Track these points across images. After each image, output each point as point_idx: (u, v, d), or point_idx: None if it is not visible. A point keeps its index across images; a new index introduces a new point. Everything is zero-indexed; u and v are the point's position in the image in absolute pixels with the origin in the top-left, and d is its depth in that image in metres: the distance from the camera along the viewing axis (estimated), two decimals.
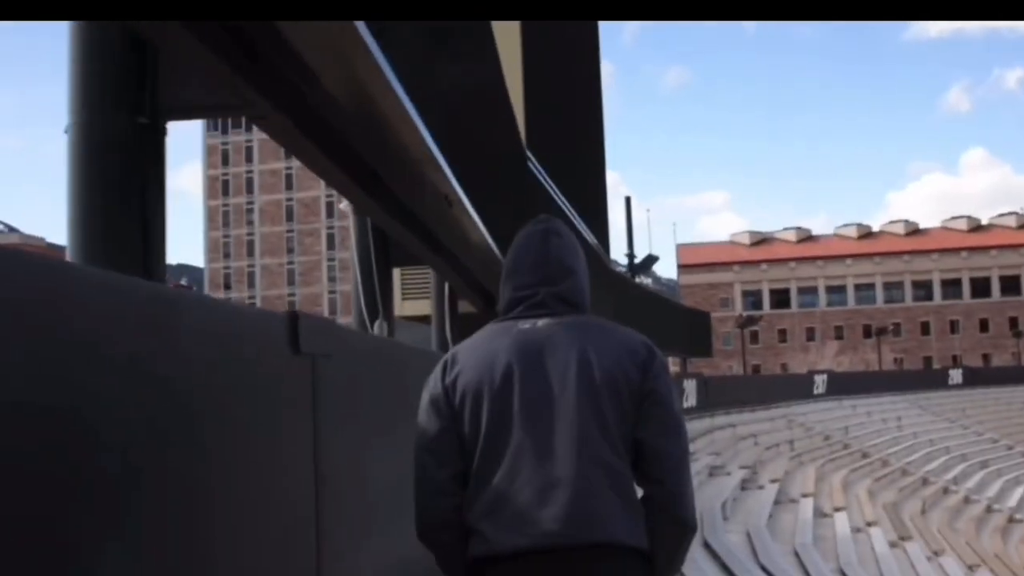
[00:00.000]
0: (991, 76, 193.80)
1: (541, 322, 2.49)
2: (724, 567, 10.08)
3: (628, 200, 25.17)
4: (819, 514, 17.25)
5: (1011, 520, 27.76)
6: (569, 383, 2.40)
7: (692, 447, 21.03)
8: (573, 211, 11.64)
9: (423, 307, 8.61)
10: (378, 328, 5.29)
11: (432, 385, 2.49)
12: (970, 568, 18.12)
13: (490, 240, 6.86)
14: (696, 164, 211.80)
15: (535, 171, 9.23)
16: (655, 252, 26.37)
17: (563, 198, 11.26)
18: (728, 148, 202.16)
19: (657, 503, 2.40)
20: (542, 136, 10.76)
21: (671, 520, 2.41)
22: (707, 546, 10.82)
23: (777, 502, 16.95)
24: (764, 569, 10.65)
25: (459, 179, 5.41)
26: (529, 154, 9.08)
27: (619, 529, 2.34)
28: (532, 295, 2.52)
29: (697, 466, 17.71)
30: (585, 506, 2.33)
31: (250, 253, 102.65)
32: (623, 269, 23.34)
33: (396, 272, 9.04)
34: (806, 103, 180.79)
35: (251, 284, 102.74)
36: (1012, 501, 30.70)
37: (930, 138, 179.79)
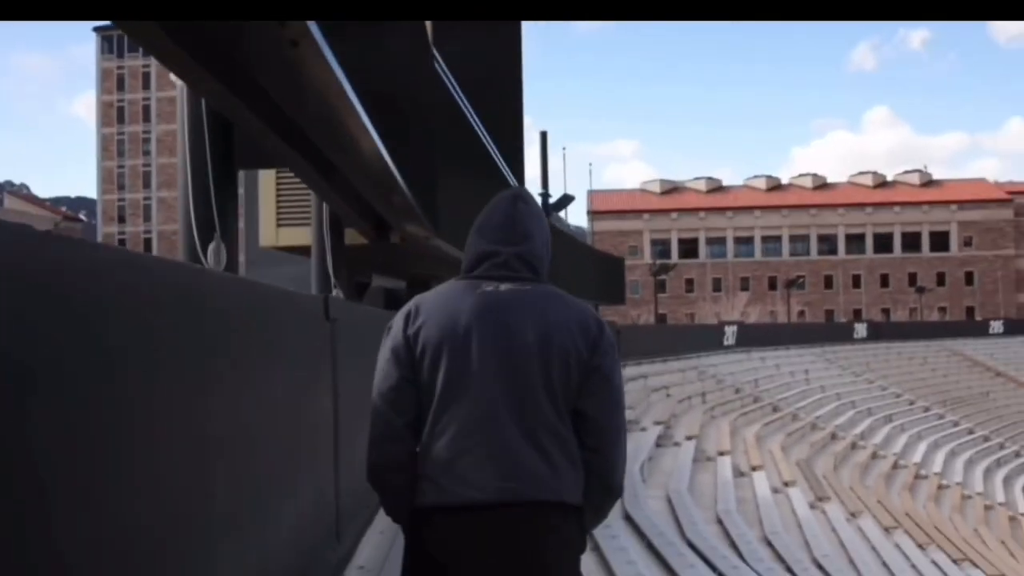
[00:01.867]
0: (896, 35, 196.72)
1: (504, 286, 2.63)
2: (648, 543, 8.86)
3: (544, 135, 23.71)
4: (737, 473, 16.32)
5: (917, 477, 27.55)
6: (525, 351, 2.53)
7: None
8: (486, 134, 10.12)
9: (302, 236, 7.06)
10: (213, 255, 3.75)
11: (394, 334, 2.61)
12: (887, 530, 17.47)
13: (386, 154, 5.35)
14: (606, 112, 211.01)
15: (443, 75, 7.68)
16: (569, 195, 25.16)
17: (476, 117, 9.73)
18: (638, 97, 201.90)
19: (592, 470, 2.58)
20: (452, 43, 9.19)
21: (602, 486, 2.61)
22: (628, 518, 9.60)
23: (695, 460, 15.98)
24: (690, 544, 9.47)
25: (343, 65, 3.98)
26: (436, 55, 7.53)
27: (563, 489, 2.52)
28: (494, 253, 2.66)
29: (648, 436, 16.65)
30: (533, 466, 2.50)
31: (146, 185, 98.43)
32: None
33: (271, 196, 7.45)
34: (716, 55, 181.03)
35: (147, 218, 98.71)
36: (917, 457, 30.59)
37: (835, 95, 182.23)
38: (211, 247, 3.66)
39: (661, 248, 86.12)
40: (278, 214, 7.19)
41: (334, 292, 6.69)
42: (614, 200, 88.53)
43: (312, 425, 3.45)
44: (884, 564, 13.96)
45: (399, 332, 2.59)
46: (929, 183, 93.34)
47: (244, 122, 3.74)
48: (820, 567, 11.29)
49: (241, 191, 6.28)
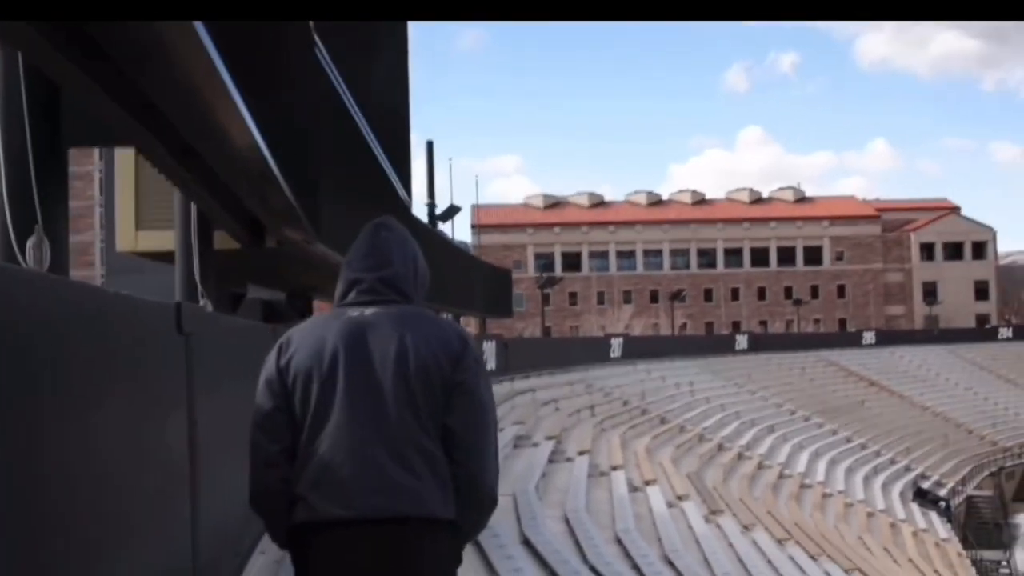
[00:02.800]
0: (767, 58, 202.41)
1: (369, 311, 2.77)
2: (549, 570, 8.29)
3: (430, 145, 23.04)
4: (631, 488, 15.94)
5: (802, 486, 27.80)
6: (388, 370, 2.67)
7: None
8: (372, 136, 9.43)
9: (167, 240, 6.25)
10: (33, 253, 2.98)
11: (268, 367, 2.75)
12: (779, 542, 17.36)
13: (262, 143, 4.65)
14: (489, 128, 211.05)
15: (328, 71, 6.98)
16: (456, 206, 24.46)
17: (362, 117, 9.04)
18: (519, 113, 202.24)
19: (461, 483, 2.69)
20: (336, 39, 8.49)
21: (472, 499, 2.73)
22: (527, 542, 9.02)
23: (589, 475, 15.52)
24: (592, 569, 8.94)
25: (214, 39, 3.33)
26: (318, 41, 6.84)
27: (429, 503, 2.63)
28: (359, 280, 2.83)
29: (504, 437, 16.06)
30: (399, 482, 2.61)
31: None
32: (423, 221, 21.43)
33: (129, 192, 6.61)
34: (595, 73, 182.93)
35: None
36: (800, 466, 30.97)
37: (710, 115, 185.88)
38: (31, 242, 2.91)
39: (545, 262, 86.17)
40: (137, 214, 6.35)
41: (201, 303, 5.91)
42: (498, 214, 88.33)
43: (158, 460, 2.74)
44: None
45: (272, 364, 2.73)
46: (802, 200, 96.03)
47: (77, 88, 3.01)
48: None
49: (98, 179, 5.49)
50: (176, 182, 5.30)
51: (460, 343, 2.74)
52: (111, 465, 2.36)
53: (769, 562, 14.69)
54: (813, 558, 16.90)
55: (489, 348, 23.70)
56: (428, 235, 15.33)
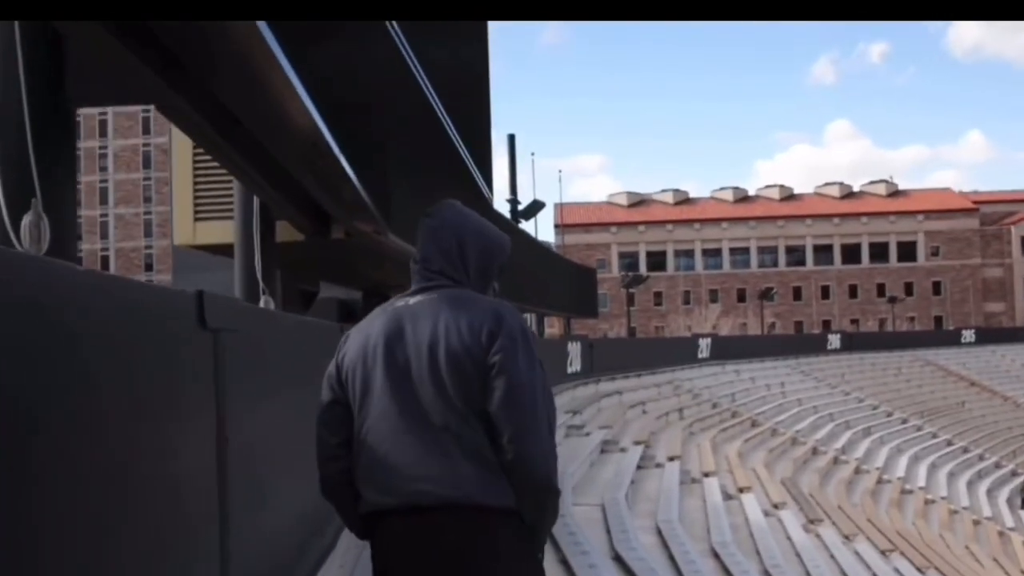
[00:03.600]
0: (856, 49, 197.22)
1: (414, 299, 2.75)
2: None
3: (512, 138, 22.44)
4: (725, 496, 15.13)
5: (902, 492, 26.57)
6: (421, 358, 2.62)
7: (580, 418, 18.74)
8: (449, 122, 8.88)
9: (226, 232, 5.77)
10: (29, 233, 2.44)
11: (331, 364, 2.79)
12: (883, 553, 16.37)
13: (323, 126, 4.13)
14: (571, 127, 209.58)
15: (397, 42, 6.44)
16: (539, 201, 23.64)
17: (438, 101, 8.50)
18: (603, 111, 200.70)
19: (509, 470, 2.57)
20: (419, 37, 7.97)
21: (524, 486, 2.58)
22: (618, 558, 8.37)
23: (681, 482, 14.75)
24: None
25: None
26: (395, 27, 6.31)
27: (468, 488, 2.55)
28: (419, 271, 2.80)
29: (591, 441, 15.43)
30: (437, 469, 2.55)
31: (103, 201, 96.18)
32: (505, 217, 20.76)
33: (187, 180, 6.14)
34: (678, 69, 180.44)
35: (104, 235, 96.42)
36: (900, 471, 29.66)
37: (797, 109, 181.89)
38: (27, 220, 2.40)
39: (629, 261, 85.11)
40: (195, 204, 5.90)
41: (263, 300, 5.42)
42: (582, 213, 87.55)
43: (175, 482, 2.18)
44: None
45: (333, 361, 2.77)
46: (895, 193, 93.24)
47: (90, 41, 2.48)
48: None
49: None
50: (237, 173, 4.81)
51: (494, 321, 2.61)
52: (100, 497, 1.81)
53: (874, 575, 13.77)
54: (921, 571, 15.88)
55: (574, 349, 23.06)
56: (510, 233, 14.74)
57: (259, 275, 5.50)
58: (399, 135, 6.45)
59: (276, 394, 3.44)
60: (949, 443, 38.01)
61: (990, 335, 61.25)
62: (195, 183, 5.94)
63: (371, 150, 5.48)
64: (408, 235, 6.24)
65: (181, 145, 6.04)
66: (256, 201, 5.59)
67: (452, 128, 9.55)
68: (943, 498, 27.83)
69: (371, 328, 2.72)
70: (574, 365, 22.87)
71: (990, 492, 32.05)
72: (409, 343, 2.65)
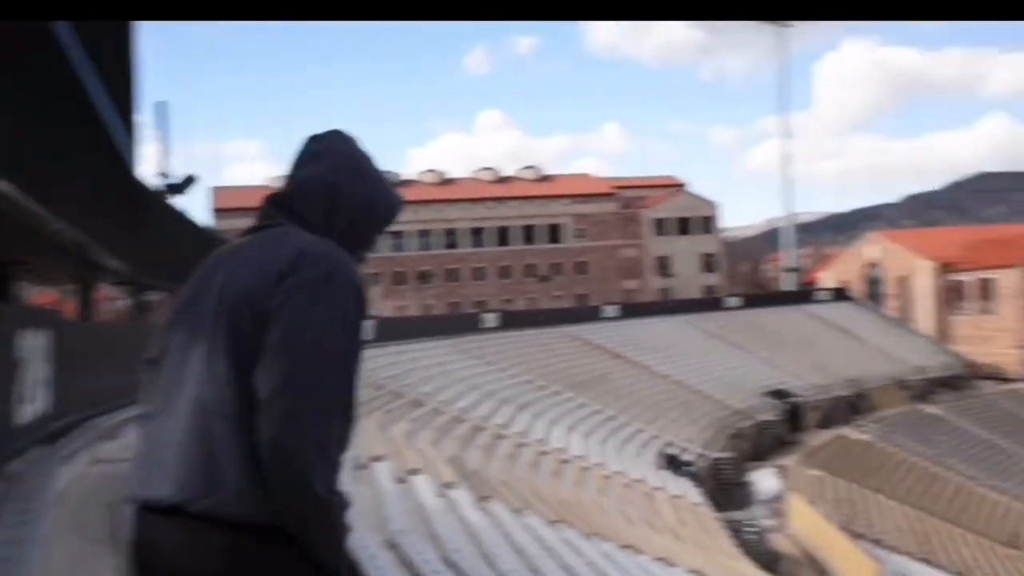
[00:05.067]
0: (508, 40, 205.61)
1: (240, 240, 2.16)
2: None
3: (161, 106, 20.50)
4: (397, 480, 14.70)
5: (561, 462, 27.61)
6: (208, 314, 2.00)
7: None
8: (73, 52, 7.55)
9: None
10: None
11: None
12: (552, 523, 16.69)
13: None
14: (228, 112, 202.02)
15: None
16: (192, 175, 21.52)
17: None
18: (261, 96, 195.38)
19: (265, 468, 1.86)
20: None
21: (276, 488, 1.86)
22: None
23: (349, 468, 14.09)
24: None
25: None
26: None
27: (220, 492, 1.89)
28: (267, 205, 2.23)
29: None
30: (190, 461, 1.93)
31: None
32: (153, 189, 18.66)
33: None
34: (331, 56, 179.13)
35: None
36: (557, 442, 30.88)
37: (450, 98, 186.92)
38: None
39: None
40: None
41: None
42: (241, 197, 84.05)
43: None
44: (567, 568, 12.93)
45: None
46: (543, 179, 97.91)
47: None
48: None
49: None
50: None
51: (293, 255, 1.98)
52: None
53: (548, 548, 13.88)
54: (588, 537, 16.31)
55: None
56: (160, 207, 13.31)
57: None
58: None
59: None
60: (598, 412, 40.22)
61: (629, 310, 65.78)
62: None
63: None
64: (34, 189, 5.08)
65: None
66: None
67: (83, 69, 8.18)
68: (597, 465, 29.24)
69: (194, 275, 2.16)
70: None
71: (637, 456, 34.18)
72: (208, 296, 2.04)
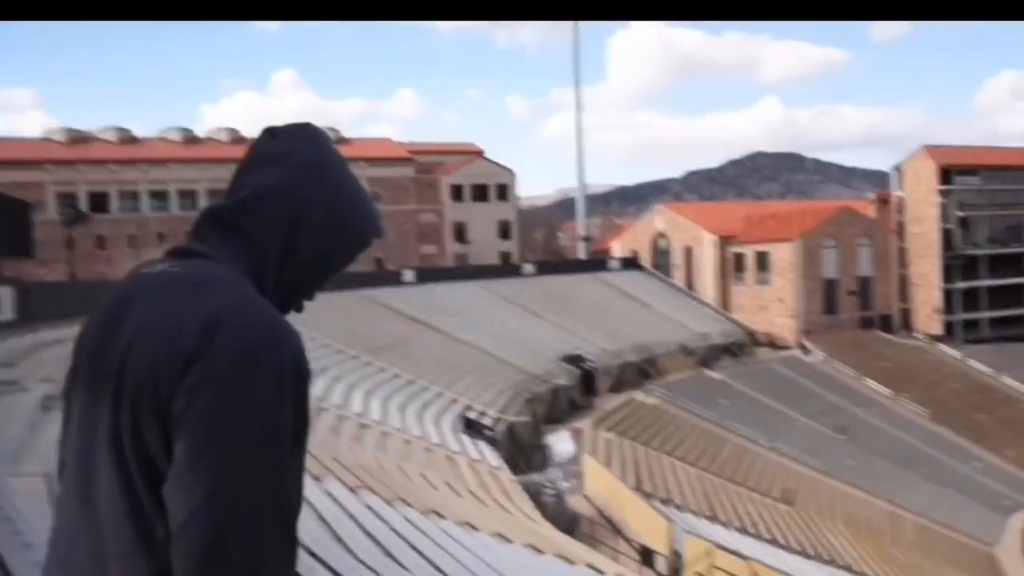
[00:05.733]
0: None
1: (162, 266, 1.69)
2: None
3: None
4: None
5: (361, 427, 27.25)
6: (106, 391, 1.55)
7: (16, 372, 16.20)
8: None
9: None
10: None
11: None
12: (353, 490, 16.38)
13: None
14: None
15: None
16: None
17: None
18: (34, 35, 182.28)
19: None
20: None
21: None
22: None
23: None
24: None
25: None
26: None
27: None
28: (201, 218, 1.74)
29: (31, 398, 13.34)
30: None
31: None
32: None
33: None
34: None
35: None
36: (356, 407, 30.49)
37: (243, 56, 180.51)
38: None
39: (68, 203, 77.94)
40: None
41: None
42: (11, 149, 78.38)
43: None
44: (371, 535, 12.67)
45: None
46: (340, 141, 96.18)
47: None
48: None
49: None
50: None
51: (203, 326, 1.53)
52: None
53: (350, 515, 13.59)
54: (389, 503, 16.10)
55: (5, 294, 20.12)
56: None
57: None
58: None
59: None
60: (397, 377, 40.01)
61: (427, 275, 65.87)
62: None
63: None
64: None
65: None
66: None
67: None
68: (397, 429, 29.05)
69: (101, 306, 1.71)
70: (5, 313, 20.01)
71: (436, 420, 34.21)
72: (112, 342, 1.60)
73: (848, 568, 30.95)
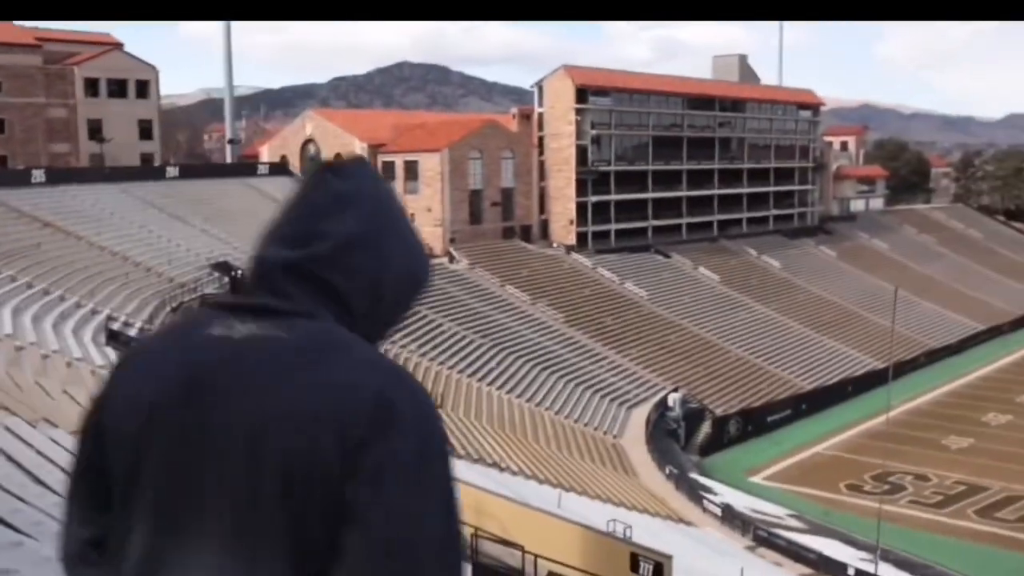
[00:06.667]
0: None
1: (244, 327, 1.43)
2: None
3: None
4: None
5: (19, 348, 25.18)
6: (228, 467, 1.36)
7: None
8: None
9: None
10: None
11: (90, 402, 1.53)
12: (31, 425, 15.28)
13: None
14: None
15: None
16: None
17: None
18: None
19: None
20: None
21: None
22: None
23: None
24: None
25: None
26: None
27: None
28: (258, 263, 1.49)
29: None
30: None
31: None
32: None
33: None
34: None
35: None
36: (7, 326, 28.05)
37: None
38: None
39: None
40: None
41: None
42: None
43: None
44: (13, 459, 11.94)
45: (96, 395, 1.52)
46: None
47: None
48: None
49: None
50: None
51: (373, 410, 1.36)
52: None
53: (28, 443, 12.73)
54: (33, 424, 15.20)
55: None
56: None
57: None
58: None
59: None
60: (30, 286, 37.12)
61: (61, 175, 61.08)
62: None
63: None
64: None
65: None
66: None
67: None
68: (33, 344, 27.12)
69: (159, 366, 1.43)
70: None
71: (76, 332, 32.24)
72: (213, 435, 1.37)
73: (496, 465, 33.17)
